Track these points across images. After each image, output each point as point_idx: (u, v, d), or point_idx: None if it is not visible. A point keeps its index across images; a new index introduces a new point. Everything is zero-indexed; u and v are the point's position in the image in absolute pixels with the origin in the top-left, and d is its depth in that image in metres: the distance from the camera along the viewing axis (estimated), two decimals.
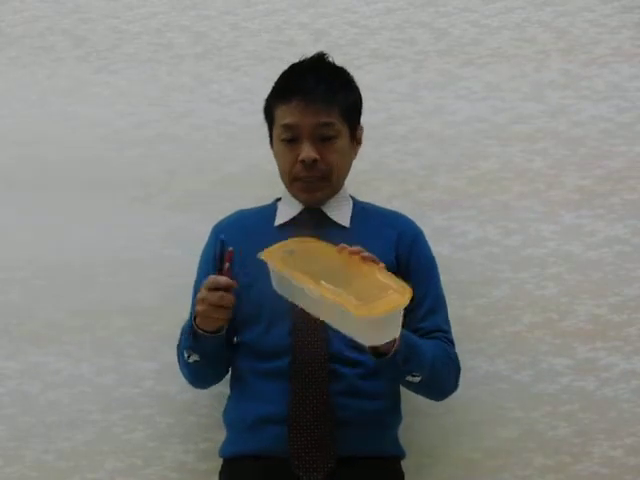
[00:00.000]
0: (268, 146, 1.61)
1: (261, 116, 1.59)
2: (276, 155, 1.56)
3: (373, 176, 1.84)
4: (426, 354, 1.42)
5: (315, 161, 1.48)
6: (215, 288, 1.35)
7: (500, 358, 1.78)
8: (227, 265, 1.38)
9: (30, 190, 1.89)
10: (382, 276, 1.29)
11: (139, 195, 1.88)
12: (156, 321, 1.77)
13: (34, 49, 2.01)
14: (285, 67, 1.58)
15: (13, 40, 2.01)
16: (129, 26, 2.01)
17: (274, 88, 1.56)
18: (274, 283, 1.37)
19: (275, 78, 1.59)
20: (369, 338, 1.30)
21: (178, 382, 1.73)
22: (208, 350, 1.44)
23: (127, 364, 1.78)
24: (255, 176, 1.84)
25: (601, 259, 1.83)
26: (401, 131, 1.91)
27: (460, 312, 1.78)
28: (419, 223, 1.69)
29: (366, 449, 1.43)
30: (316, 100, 1.48)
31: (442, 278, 1.68)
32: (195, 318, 1.40)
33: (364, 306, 1.22)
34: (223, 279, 1.36)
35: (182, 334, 1.49)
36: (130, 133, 1.93)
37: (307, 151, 1.48)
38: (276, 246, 1.37)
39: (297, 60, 1.57)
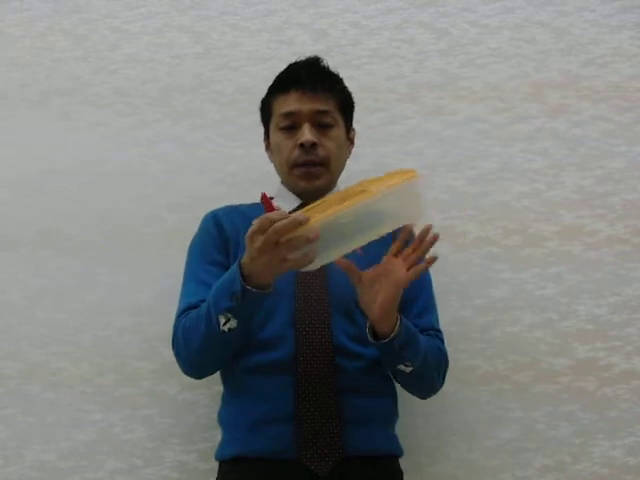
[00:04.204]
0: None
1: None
2: (274, 146, 1.56)
3: (373, 176, 1.84)
4: (421, 346, 1.41)
5: (314, 145, 1.49)
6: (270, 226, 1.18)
7: (500, 358, 1.78)
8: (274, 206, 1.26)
9: (30, 191, 1.90)
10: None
11: (139, 195, 1.88)
12: (156, 321, 1.77)
13: (34, 49, 2.01)
14: (285, 67, 1.59)
15: (13, 40, 2.02)
16: (129, 26, 2.02)
17: (271, 86, 1.58)
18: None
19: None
20: (415, 209, 1.30)
21: (178, 382, 1.73)
22: (253, 312, 1.32)
23: (127, 364, 1.78)
24: (255, 176, 1.85)
25: (601, 259, 1.83)
26: (401, 131, 1.92)
27: (460, 312, 1.79)
28: (419, 223, 1.68)
29: (371, 448, 1.42)
30: (315, 89, 1.50)
31: (442, 279, 1.70)
32: (243, 276, 1.26)
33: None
34: (277, 213, 1.19)
35: (214, 298, 1.32)
36: (130, 133, 1.94)
37: (307, 134, 1.49)
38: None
39: (295, 60, 1.58)
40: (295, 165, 1.51)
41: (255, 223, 1.21)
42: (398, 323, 1.35)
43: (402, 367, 1.40)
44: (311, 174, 1.51)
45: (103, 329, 1.80)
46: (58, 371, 1.78)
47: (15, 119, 1.95)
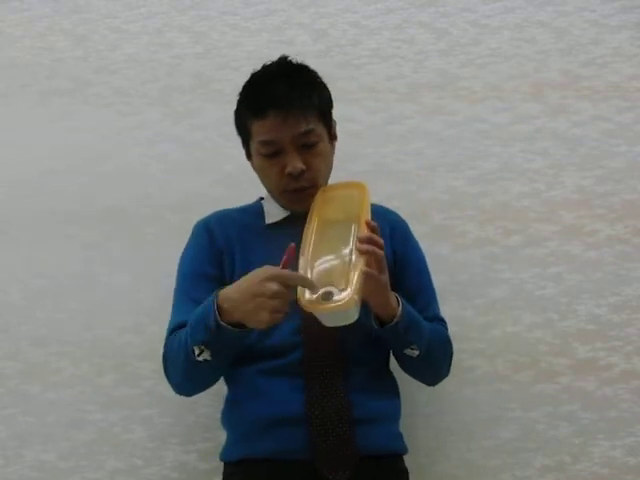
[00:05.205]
0: None
1: None
2: (258, 169, 1.52)
3: (373, 176, 1.84)
4: (425, 329, 1.43)
5: (302, 171, 1.44)
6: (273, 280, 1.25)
7: (500, 358, 1.77)
8: (286, 259, 1.28)
9: (30, 191, 1.90)
10: (355, 274, 1.29)
11: (139, 195, 1.88)
12: (156, 321, 1.76)
13: (34, 49, 2.01)
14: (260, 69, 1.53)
15: (13, 40, 2.02)
16: (129, 26, 2.02)
17: (244, 101, 1.49)
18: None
19: None
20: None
21: None
22: (229, 347, 1.34)
23: (127, 364, 1.78)
24: (254, 176, 1.84)
25: (601, 259, 1.83)
26: (401, 131, 1.91)
27: (460, 312, 1.79)
28: (419, 223, 1.69)
29: (381, 447, 1.42)
30: (293, 110, 1.41)
31: (442, 278, 1.70)
32: (222, 310, 1.28)
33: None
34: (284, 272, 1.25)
35: (191, 328, 1.35)
36: (130, 133, 1.94)
37: (293, 163, 1.43)
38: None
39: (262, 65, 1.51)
40: (285, 191, 1.48)
41: (272, 274, 1.25)
42: (400, 307, 1.37)
43: (409, 351, 1.41)
44: (302, 197, 1.47)
45: (103, 329, 1.80)
46: (58, 371, 1.78)
47: (15, 119, 1.95)
